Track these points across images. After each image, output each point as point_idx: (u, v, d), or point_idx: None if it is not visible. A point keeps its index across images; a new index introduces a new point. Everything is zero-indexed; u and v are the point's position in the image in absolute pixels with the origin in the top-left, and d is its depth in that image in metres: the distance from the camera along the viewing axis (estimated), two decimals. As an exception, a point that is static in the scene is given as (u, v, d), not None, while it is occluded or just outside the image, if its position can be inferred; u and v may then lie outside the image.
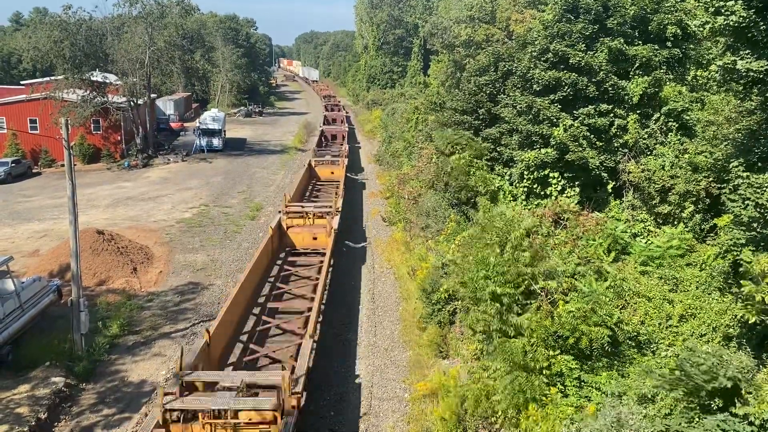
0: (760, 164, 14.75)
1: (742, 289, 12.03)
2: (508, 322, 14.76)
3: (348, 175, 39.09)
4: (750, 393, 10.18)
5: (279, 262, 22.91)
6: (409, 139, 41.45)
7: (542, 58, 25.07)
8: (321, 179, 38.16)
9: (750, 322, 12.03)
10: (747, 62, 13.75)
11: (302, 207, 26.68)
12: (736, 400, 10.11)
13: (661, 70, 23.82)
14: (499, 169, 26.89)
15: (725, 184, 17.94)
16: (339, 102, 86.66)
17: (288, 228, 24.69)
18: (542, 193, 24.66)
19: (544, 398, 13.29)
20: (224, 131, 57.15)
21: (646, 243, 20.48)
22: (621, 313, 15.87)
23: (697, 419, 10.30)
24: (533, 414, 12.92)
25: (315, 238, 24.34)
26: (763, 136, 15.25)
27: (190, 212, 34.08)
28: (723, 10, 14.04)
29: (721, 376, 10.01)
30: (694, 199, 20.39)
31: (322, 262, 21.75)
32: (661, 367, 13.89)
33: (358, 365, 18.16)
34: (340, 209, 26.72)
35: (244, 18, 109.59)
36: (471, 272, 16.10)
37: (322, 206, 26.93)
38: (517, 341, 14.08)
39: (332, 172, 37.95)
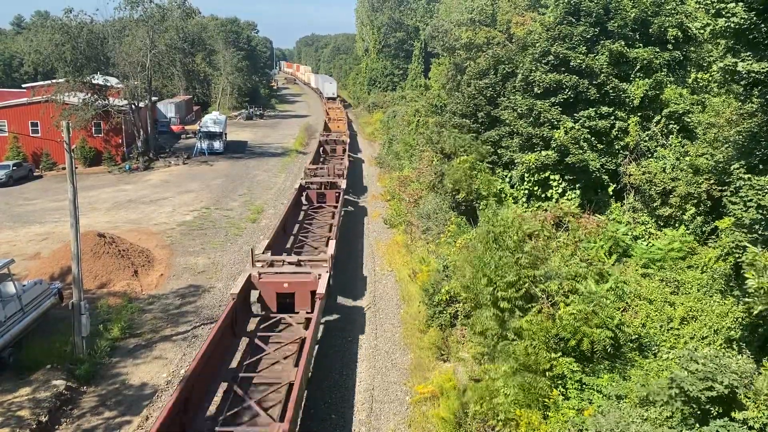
0: (761, 166, 14.77)
1: (747, 281, 11.87)
2: (509, 327, 14.74)
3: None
4: (749, 398, 10.14)
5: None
6: (410, 141, 41.48)
7: (543, 61, 25.10)
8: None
9: (755, 313, 11.87)
10: (748, 64, 13.79)
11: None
12: (734, 406, 10.09)
13: (662, 73, 23.85)
14: (499, 172, 26.89)
15: (726, 187, 17.94)
16: (344, 162, 42.48)
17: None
18: (543, 195, 24.67)
19: (546, 400, 13.27)
20: (225, 134, 57.26)
21: (647, 245, 20.49)
22: (622, 315, 15.86)
23: (697, 425, 10.28)
24: (535, 415, 12.90)
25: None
26: (764, 138, 15.25)
27: (191, 215, 34.08)
28: (724, 12, 14.07)
29: (718, 384, 9.98)
30: (695, 201, 20.40)
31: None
32: (662, 370, 13.87)
33: (359, 367, 18.14)
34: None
35: (245, 21, 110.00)
36: (473, 275, 16.08)
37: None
38: (520, 343, 14.07)
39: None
